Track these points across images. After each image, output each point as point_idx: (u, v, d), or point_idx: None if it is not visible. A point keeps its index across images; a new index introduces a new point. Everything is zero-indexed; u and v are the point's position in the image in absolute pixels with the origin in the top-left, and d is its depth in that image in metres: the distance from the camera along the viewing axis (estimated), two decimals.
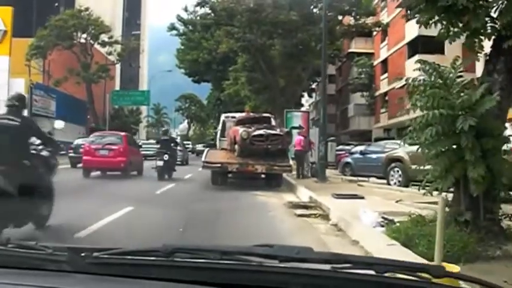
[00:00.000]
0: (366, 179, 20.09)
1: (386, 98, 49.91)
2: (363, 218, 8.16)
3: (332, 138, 29.64)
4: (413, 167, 15.76)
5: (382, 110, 50.66)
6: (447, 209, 7.81)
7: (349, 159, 23.91)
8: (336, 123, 60.19)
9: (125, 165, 20.60)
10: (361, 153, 23.10)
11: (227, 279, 1.68)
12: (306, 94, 58.86)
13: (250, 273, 1.69)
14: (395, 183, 16.46)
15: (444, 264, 4.06)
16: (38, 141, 8.13)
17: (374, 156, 21.37)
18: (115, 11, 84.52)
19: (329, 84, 64.51)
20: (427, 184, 7.40)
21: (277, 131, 17.16)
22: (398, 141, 22.21)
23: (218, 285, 1.66)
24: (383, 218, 8.17)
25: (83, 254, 1.77)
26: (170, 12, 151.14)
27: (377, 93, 52.58)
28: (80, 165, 23.63)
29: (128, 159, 20.92)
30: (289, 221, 9.64)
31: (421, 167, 7.71)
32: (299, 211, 10.69)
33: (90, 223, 8.50)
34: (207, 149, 19.46)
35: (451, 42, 7.67)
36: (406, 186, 15.91)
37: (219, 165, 16.67)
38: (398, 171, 16.43)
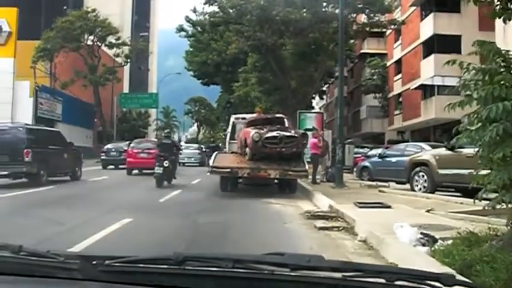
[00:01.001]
0: (385, 183, 18.82)
1: (400, 99, 48.67)
2: (398, 234, 6.85)
3: (350, 140, 28.28)
4: (441, 171, 14.63)
5: (396, 112, 49.35)
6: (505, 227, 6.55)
7: (366, 163, 22.59)
8: (347, 126, 58.77)
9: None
10: (380, 156, 21.79)
11: None
12: (316, 96, 57.65)
13: (261, 282, 1.73)
14: (420, 189, 15.11)
15: None
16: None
17: (394, 159, 20.11)
18: (124, 14, 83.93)
19: None
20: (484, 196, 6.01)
21: (292, 133, 15.73)
22: (420, 144, 21.08)
23: None
24: (422, 234, 6.86)
25: (94, 262, 1.81)
26: (180, 17, 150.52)
27: (390, 95, 51.30)
28: (110, 166, 31.64)
29: None
30: (309, 236, 8.32)
31: (476, 172, 6.28)
32: (319, 223, 9.39)
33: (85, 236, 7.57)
34: (215, 152, 18.07)
35: (505, 21, 6.36)
36: (432, 192, 14.60)
37: (228, 170, 15.28)
38: (423, 176, 15.05)
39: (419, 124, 43.50)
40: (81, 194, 15.94)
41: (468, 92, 5.91)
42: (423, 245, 6.53)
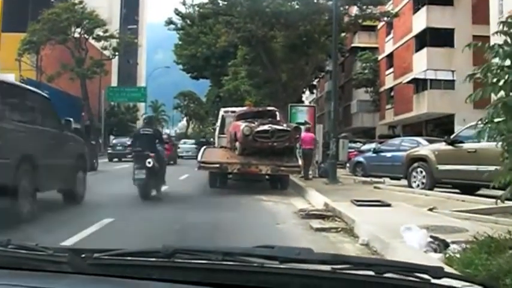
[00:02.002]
0: (380, 179, 18.19)
1: (392, 93, 48.15)
2: (406, 237, 6.14)
3: (344, 134, 27.59)
4: (440, 167, 13.96)
5: (388, 106, 48.81)
6: None
7: (360, 158, 21.94)
8: (338, 120, 58.01)
9: (168, 156, 22.51)
10: (375, 151, 21.16)
11: (228, 280, 1.71)
12: (307, 91, 56.99)
13: (251, 274, 1.72)
14: (418, 186, 14.42)
15: None
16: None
17: (389, 155, 19.50)
18: (112, 7, 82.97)
19: (330, 81, 63.18)
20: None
21: (284, 126, 14.96)
22: (417, 138, 20.44)
23: (219, 286, 1.68)
24: (432, 237, 6.16)
25: (83, 255, 1.79)
26: (169, 11, 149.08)
27: (382, 89, 50.77)
28: (115, 159, 35.68)
29: (170, 152, 28.80)
30: (306, 239, 7.57)
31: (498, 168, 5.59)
32: (315, 223, 8.67)
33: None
34: (204, 147, 17.26)
35: None
36: (431, 189, 13.93)
37: (217, 165, 14.51)
38: (422, 172, 14.33)
39: (411, 119, 43.02)
40: None
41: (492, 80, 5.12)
42: (435, 250, 5.84)
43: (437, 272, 1.67)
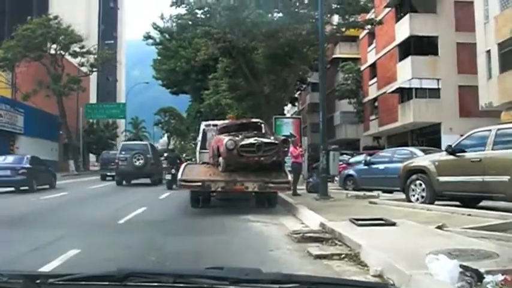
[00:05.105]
0: (371, 193, 17.13)
1: (376, 104, 47.36)
2: (433, 269, 5.00)
3: (334, 146, 26.53)
4: (441, 179, 12.88)
5: (372, 117, 47.98)
6: None
7: (351, 171, 20.88)
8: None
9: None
10: (366, 163, 20.12)
11: None
12: (288, 103, 56.15)
13: None
14: (417, 200, 13.30)
15: None
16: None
17: (382, 166, 18.55)
18: (90, 23, 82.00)
19: (312, 93, 62.55)
20: None
21: (271, 139, 13.61)
22: (410, 148, 19.45)
23: None
24: (462, 267, 5.02)
25: (38, 281, 1.83)
26: (147, 27, 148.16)
27: (365, 100, 49.96)
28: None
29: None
30: (306, 269, 6.27)
31: None
32: (314, 249, 7.50)
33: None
34: (184, 164, 15.99)
35: None
36: (432, 203, 12.84)
37: (199, 183, 13.14)
38: (421, 184, 13.21)
39: (397, 129, 42.22)
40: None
41: None
42: (470, 284, 4.73)
43: None
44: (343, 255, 7.00)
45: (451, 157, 12.46)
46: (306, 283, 1.79)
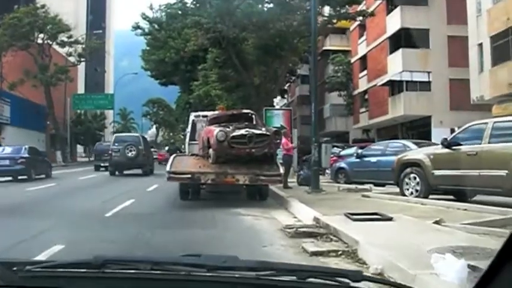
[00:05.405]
0: (363, 186, 16.88)
1: (366, 96, 47.09)
2: (440, 269, 4.70)
3: (326, 139, 26.22)
4: (437, 172, 12.61)
5: (362, 110, 47.73)
6: None
7: (343, 164, 20.57)
8: (310, 125, 56.80)
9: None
10: (358, 156, 19.82)
11: None
12: (278, 95, 55.81)
13: (178, 283, 1.81)
14: (411, 193, 13.02)
15: None
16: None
17: (374, 159, 18.30)
18: (78, 13, 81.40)
19: (302, 85, 62.21)
20: None
21: (263, 130, 13.20)
22: (403, 141, 19.18)
23: None
24: (469, 267, 4.72)
25: (15, 268, 1.82)
26: (136, 18, 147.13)
27: (355, 92, 49.69)
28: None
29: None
30: None
31: None
32: (309, 245, 7.20)
33: None
34: (173, 155, 15.58)
35: None
36: (426, 197, 12.57)
37: (188, 175, 12.78)
38: (415, 178, 12.91)
39: (387, 122, 42.02)
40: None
41: None
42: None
43: (356, 276, 1.79)
44: (340, 252, 6.71)
45: (447, 150, 12.17)
46: (282, 270, 1.82)
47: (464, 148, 11.75)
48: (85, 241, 7.96)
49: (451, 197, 12.83)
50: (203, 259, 1.85)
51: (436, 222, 8.46)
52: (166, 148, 26.79)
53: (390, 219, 8.67)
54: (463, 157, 11.66)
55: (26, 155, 24.44)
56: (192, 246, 7.34)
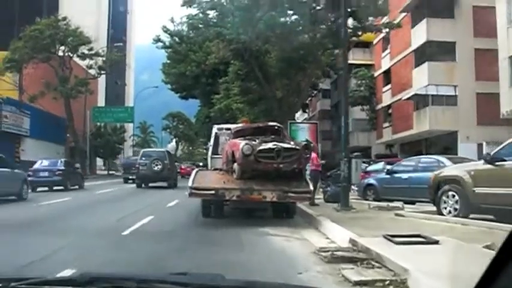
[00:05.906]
0: (393, 204, 16.00)
1: (390, 111, 46.23)
2: None
3: (357, 153, 25.34)
4: (478, 190, 11.71)
5: (385, 125, 46.85)
6: None
7: (372, 180, 19.71)
8: (332, 140, 56.07)
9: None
10: (388, 172, 18.95)
11: None
12: (299, 110, 55.24)
13: None
14: (449, 212, 12.15)
15: None
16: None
17: (405, 176, 17.39)
18: (100, 27, 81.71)
19: (323, 100, 61.53)
20: None
21: (292, 144, 12.45)
22: (437, 157, 18.26)
23: None
24: None
25: (0, 285, 1.81)
26: (157, 32, 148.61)
27: (379, 107, 48.85)
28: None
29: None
30: None
31: None
32: (349, 271, 6.40)
33: None
34: (196, 170, 14.82)
35: None
36: (466, 216, 11.67)
37: (212, 191, 11.96)
38: (454, 196, 12.04)
39: (411, 136, 41.11)
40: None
41: None
42: None
43: None
44: (387, 282, 5.88)
45: (489, 166, 11.28)
46: None
47: (509, 164, 10.88)
48: (99, 265, 7.21)
49: (490, 216, 11.95)
50: (189, 277, 1.90)
51: (487, 247, 7.61)
52: (201, 164, 27.55)
53: (436, 242, 7.84)
54: (509, 174, 10.80)
55: (62, 167, 27.32)
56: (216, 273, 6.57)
